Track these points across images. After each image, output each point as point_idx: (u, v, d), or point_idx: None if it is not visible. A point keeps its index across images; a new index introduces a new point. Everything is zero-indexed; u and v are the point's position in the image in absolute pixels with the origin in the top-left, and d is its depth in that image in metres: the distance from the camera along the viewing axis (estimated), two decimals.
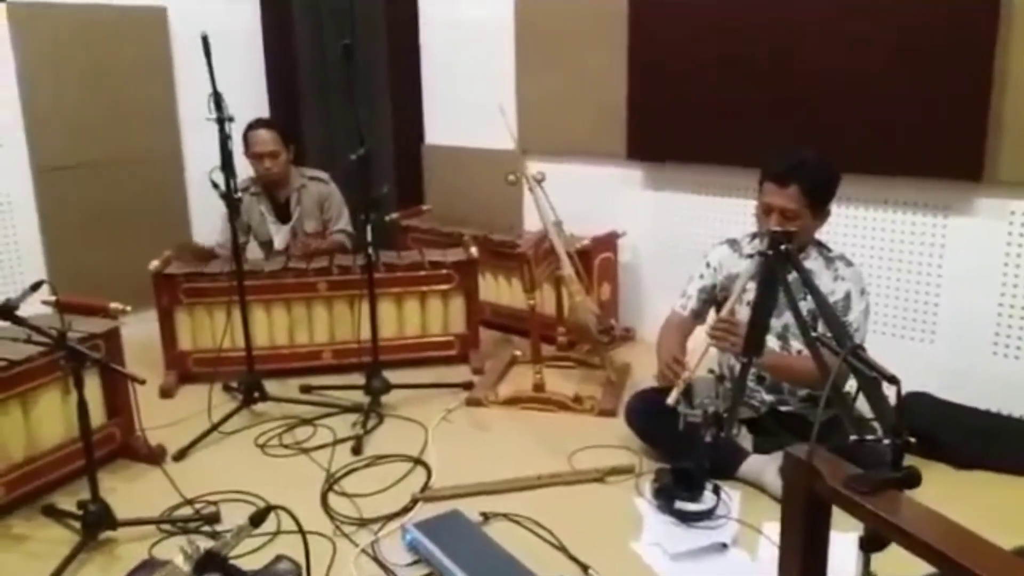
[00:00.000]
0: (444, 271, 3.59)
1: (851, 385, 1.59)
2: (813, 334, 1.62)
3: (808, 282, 1.76)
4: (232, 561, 1.57)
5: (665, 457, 2.68)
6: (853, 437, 1.42)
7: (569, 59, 3.88)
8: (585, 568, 2.16)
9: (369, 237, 3.12)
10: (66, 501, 2.53)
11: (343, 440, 2.95)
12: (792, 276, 1.80)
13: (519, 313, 3.89)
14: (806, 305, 2.25)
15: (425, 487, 2.62)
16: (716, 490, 2.46)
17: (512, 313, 3.97)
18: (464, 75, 4.29)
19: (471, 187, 4.35)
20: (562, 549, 2.25)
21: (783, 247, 1.76)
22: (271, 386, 3.28)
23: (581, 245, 3.53)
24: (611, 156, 3.79)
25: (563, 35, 3.87)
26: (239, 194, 3.09)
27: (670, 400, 2.33)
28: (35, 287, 2.23)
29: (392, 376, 3.27)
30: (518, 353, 3.61)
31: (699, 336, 2.63)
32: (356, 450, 2.88)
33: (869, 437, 1.40)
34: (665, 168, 3.70)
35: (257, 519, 1.29)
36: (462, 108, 4.34)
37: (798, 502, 1.38)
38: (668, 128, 3.55)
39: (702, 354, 2.39)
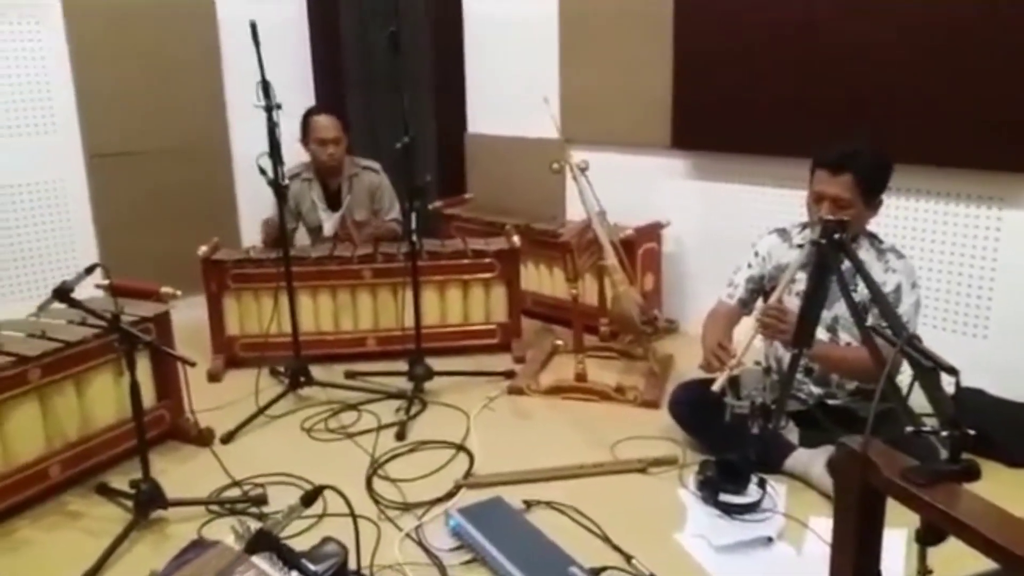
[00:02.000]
0: (486, 260, 3.60)
1: (901, 377, 1.57)
2: (869, 324, 1.59)
3: (862, 271, 1.72)
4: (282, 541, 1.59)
5: (709, 449, 2.66)
6: (909, 429, 1.39)
7: (613, 47, 3.85)
8: (628, 558, 2.15)
9: (413, 225, 3.14)
10: (118, 480, 2.60)
11: (387, 426, 2.98)
12: (844, 267, 1.76)
13: (561, 303, 3.89)
14: (856, 296, 2.21)
15: (468, 474, 2.63)
16: (761, 483, 2.44)
17: (554, 303, 3.97)
18: (508, 64, 4.28)
19: (513, 176, 4.34)
20: (605, 539, 2.24)
21: (837, 236, 1.73)
22: (316, 371, 3.31)
23: (624, 235, 3.51)
24: (655, 145, 3.76)
25: (607, 23, 3.84)
26: (287, 180, 3.13)
27: (716, 387, 2.31)
28: (89, 270, 2.29)
29: (434, 363, 3.29)
30: (560, 343, 3.61)
31: (746, 326, 2.60)
32: (400, 436, 2.90)
33: (926, 429, 1.37)
34: (710, 157, 3.66)
35: (308, 499, 1.30)
36: (505, 97, 4.34)
37: (852, 494, 1.35)
38: (714, 117, 3.51)
39: (749, 342, 2.36)
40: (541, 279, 4.04)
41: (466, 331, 3.66)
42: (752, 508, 2.37)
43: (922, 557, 1.36)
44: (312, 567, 1.33)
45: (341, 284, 3.59)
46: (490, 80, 4.42)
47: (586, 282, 3.50)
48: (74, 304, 2.29)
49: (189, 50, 4.25)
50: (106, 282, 2.73)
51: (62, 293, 2.26)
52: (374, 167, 3.85)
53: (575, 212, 3.99)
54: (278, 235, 3.27)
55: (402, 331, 3.41)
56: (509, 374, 3.38)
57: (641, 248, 3.66)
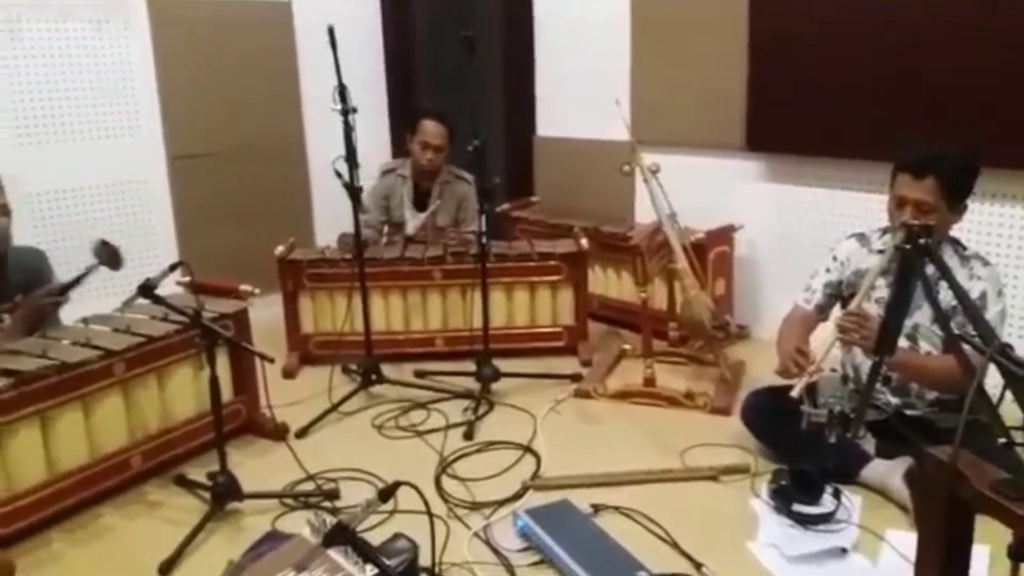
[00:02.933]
0: (553, 262, 3.59)
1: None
2: (956, 332, 1.54)
3: (948, 277, 1.67)
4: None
5: (782, 458, 2.61)
6: (1002, 440, 1.34)
7: (686, 48, 3.80)
8: (698, 565, 2.12)
9: (483, 227, 3.16)
10: (195, 472, 2.67)
11: (455, 425, 3.00)
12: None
13: (628, 306, 3.86)
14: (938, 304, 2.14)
15: (535, 475, 2.63)
16: (836, 493, 2.37)
17: (621, 306, 3.94)
18: (578, 66, 4.27)
19: (581, 179, 4.33)
20: (674, 545, 2.22)
21: (922, 241, 1.67)
22: (386, 369, 3.36)
23: (696, 238, 3.46)
24: (729, 147, 3.70)
25: (680, 23, 3.80)
26: (384, 173, 3.11)
27: (794, 393, 2.26)
28: (173, 268, 2.36)
29: (501, 365, 3.31)
30: (628, 347, 3.58)
31: (822, 333, 2.54)
32: (468, 435, 2.92)
33: (1020, 441, 1.32)
34: (785, 160, 3.59)
35: (385, 495, 1.32)
36: (574, 99, 4.32)
37: (938, 507, 1.31)
38: (790, 118, 3.44)
39: (828, 348, 2.31)
40: (608, 282, 4.02)
41: (533, 333, 3.66)
42: (826, 519, 2.32)
43: (1014, 572, 1.30)
44: (387, 562, 1.35)
45: (412, 285, 3.63)
46: (559, 82, 4.42)
47: (655, 286, 3.47)
48: (158, 300, 2.37)
49: (267, 54, 4.35)
50: (187, 279, 2.83)
51: (147, 290, 2.34)
52: (467, 178, 3.89)
53: (644, 215, 3.96)
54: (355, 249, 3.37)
55: (470, 332, 3.44)
56: (576, 377, 3.37)
57: (712, 252, 3.60)
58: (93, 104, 3.84)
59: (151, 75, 4.00)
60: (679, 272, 3.12)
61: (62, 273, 2.94)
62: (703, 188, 3.73)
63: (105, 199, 3.94)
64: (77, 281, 2.64)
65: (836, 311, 2.66)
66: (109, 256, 2.52)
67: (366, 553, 1.28)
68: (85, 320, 2.74)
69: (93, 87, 3.83)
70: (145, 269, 3.72)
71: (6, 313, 2.78)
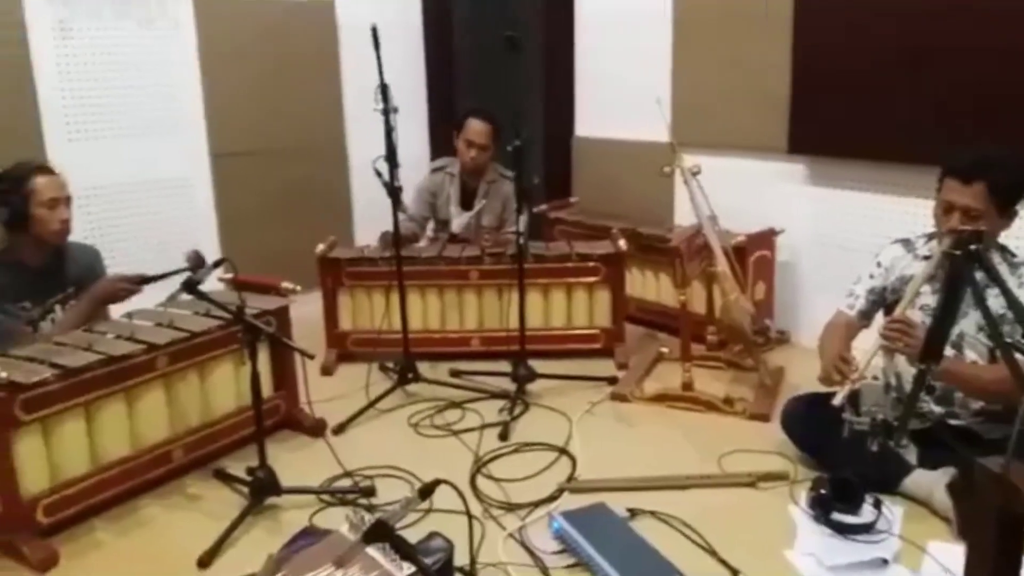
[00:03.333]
0: (591, 264, 3.58)
1: None
2: (1007, 340, 1.50)
3: (1000, 283, 1.63)
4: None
5: (821, 466, 2.57)
6: None
7: (728, 50, 3.77)
8: (735, 572, 2.10)
9: (522, 228, 3.16)
10: (234, 466, 2.71)
11: (490, 425, 3.01)
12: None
13: (666, 309, 3.84)
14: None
15: (570, 478, 2.62)
16: (877, 503, 2.33)
17: (659, 309, 3.92)
18: (618, 65, 4.26)
19: (620, 180, 4.31)
20: (711, 552, 2.20)
21: (973, 247, 1.64)
22: (422, 368, 3.37)
23: (736, 241, 3.43)
24: (771, 150, 3.66)
25: (723, 22, 3.77)
26: (432, 172, 3.14)
27: (837, 401, 2.23)
28: (217, 264, 2.40)
29: (537, 366, 3.30)
30: (665, 350, 3.56)
31: (865, 339, 2.50)
32: (503, 436, 2.92)
33: None
34: (829, 163, 3.53)
35: (424, 493, 1.32)
36: (614, 100, 4.31)
37: (988, 520, 1.28)
38: (833, 120, 3.39)
39: (871, 355, 2.27)
40: (646, 284, 4.00)
41: (569, 335, 3.65)
42: (867, 528, 2.28)
43: None
44: (425, 561, 1.35)
45: (449, 284, 3.65)
46: (599, 82, 4.41)
47: (694, 289, 3.44)
48: (201, 296, 2.40)
49: (310, 54, 4.40)
50: (230, 276, 2.87)
51: (190, 285, 2.38)
52: (513, 178, 3.89)
53: (683, 217, 3.94)
54: (409, 237, 3.39)
55: (506, 332, 3.43)
56: (612, 380, 3.35)
57: (753, 255, 3.56)
58: (139, 102, 3.91)
59: (196, 74, 4.06)
60: (719, 275, 3.08)
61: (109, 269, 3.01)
62: (744, 191, 3.69)
63: (150, 195, 4.01)
64: (157, 278, 2.68)
65: (879, 318, 2.62)
66: (197, 265, 2.53)
67: (405, 551, 1.29)
68: (129, 315, 2.79)
69: (140, 86, 3.90)
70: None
71: (59, 304, 2.85)
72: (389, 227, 3.34)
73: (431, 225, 4.05)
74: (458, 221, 3.93)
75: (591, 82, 4.47)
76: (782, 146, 3.60)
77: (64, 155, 3.52)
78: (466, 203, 3.95)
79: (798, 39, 3.46)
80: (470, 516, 1.60)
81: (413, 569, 1.43)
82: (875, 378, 2.54)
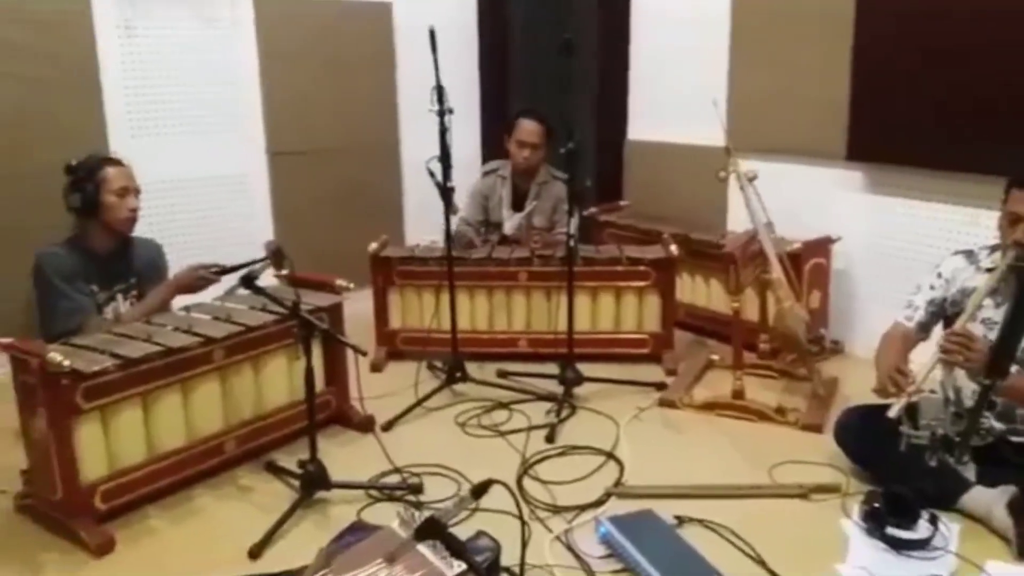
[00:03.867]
0: (642, 268, 3.56)
1: None
2: None
3: None
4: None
5: (875, 479, 2.52)
6: None
7: (787, 53, 3.72)
8: None
9: (573, 230, 3.15)
10: (284, 459, 2.75)
11: (537, 427, 3.00)
12: None
13: (717, 316, 3.80)
14: None
15: (618, 483, 2.61)
16: (933, 519, 2.28)
17: (709, 315, 3.88)
18: (674, 69, 4.22)
19: (672, 184, 4.28)
20: (760, 562, 2.17)
21: None
22: (469, 368, 3.38)
23: (792, 248, 3.37)
24: (828, 156, 3.59)
25: (782, 28, 3.72)
26: (484, 174, 3.25)
27: (892, 413, 2.18)
28: (283, 258, 2.43)
29: (584, 369, 3.29)
30: (715, 357, 3.52)
31: (923, 352, 2.44)
32: (550, 438, 2.92)
33: None
34: (888, 171, 3.46)
35: (478, 492, 1.33)
36: (668, 103, 4.28)
37: None
38: (894, 127, 3.32)
39: (930, 368, 2.22)
40: (696, 290, 3.96)
41: (617, 339, 3.63)
42: (922, 545, 2.22)
43: None
44: (476, 559, 1.36)
45: (497, 285, 3.66)
46: (654, 85, 4.38)
47: (746, 296, 3.40)
48: (258, 291, 2.45)
49: (366, 54, 4.45)
50: (284, 272, 2.91)
51: (248, 280, 2.43)
52: (564, 178, 3.89)
53: (736, 223, 3.89)
54: (466, 243, 3.46)
55: (554, 335, 3.43)
56: (660, 386, 3.33)
57: (808, 263, 3.50)
58: (200, 100, 3.99)
59: (255, 73, 4.13)
60: (773, 283, 3.04)
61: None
62: (800, 197, 3.63)
63: (208, 192, 4.09)
64: (236, 268, 2.74)
65: (938, 330, 2.55)
66: (277, 258, 2.58)
67: (456, 549, 1.29)
68: (187, 308, 2.85)
69: (201, 84, 3.98)
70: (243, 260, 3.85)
71: (121, 292, 2.93)
72: (439, 227, 3.37)
73: (483, 229, 4.05)
74: (510, 223, 3.95)
75: (645, 85, 4.44)
76: (840, 152, 3.53)
77: (126, 150, 3.60)
78: (518, 204, 3.96)
79: (859, 43, 3.40)
80: (522, 519, 1.60)
81: (462, 568, 1.44)
82: (932, 391, 2.48)
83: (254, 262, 2.52)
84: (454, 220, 3.53)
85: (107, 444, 2.42)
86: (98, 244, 2.88)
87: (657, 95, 4.37)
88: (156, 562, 2.28)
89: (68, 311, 2.73)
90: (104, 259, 2.89)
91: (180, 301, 2.95)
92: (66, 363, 2.23)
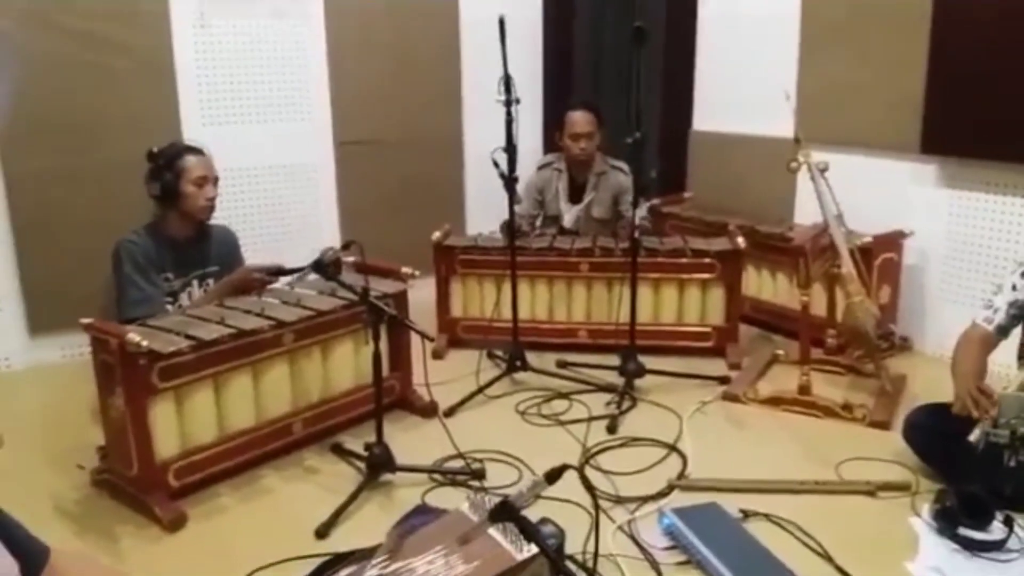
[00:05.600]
0: (707, 260, 3.52)
1: None
2: None
3: None
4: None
5: (945, 478, 2.45)
6: None
7: (859, 44, 3.63)
8: None
9: (637, 221, 3.13)
10: (350, 442, 2.80)
11: (598, 417, 3.00)
12: None
13: (782, 310, 3.74)
14: None
15: (681, 475, 2.59)
16: (1008, 521, 2.21)
17: (773, 310, 3.82)
18: (741, 61, 4.16)
19: (738, 176, 4.22)
20: (827, 558, 2.13)
21: None
22: (528, 358, 3.39)
23: (863, 242, 3.29)
24: (901, 149, 3.50)
25: (855, 18, 3.63)
26: (539, 168, 3.19)
27: (973, 438, 2.12)
28: (346, 246, 2.48)
29: (645, 361, 3.27)
30: (780, 352, 3.46)
31: (1004, 351, 2.37)
32: (611, 429, 2.91)
33: None
34: (964, 164, 3.36)
35: (552, 476, 1.33)
36: (736, 94, 4.22)
37: None
38: (971, 119, 3.21)
39: (1017, 384, 2.14)
40: (762, 284, 3.90)
41: (679, 331, 3.60)
42: (996, 546, 2.16)
43: None
44: (548, 542, 1.36)
45: (558, 275, 3.66)
46: (720, 76, 4.32)
47: (814, 290, 3.33)
48: (329, 277, 2.49)
49: (432, 47, 4.48)
50: (352, 259, 2.96)
51: (319, 266, 2.47)
52: (624, 168, 3.88)
53: (803, 216, 3.83)
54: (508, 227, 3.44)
55: (615, 326, 3.42)
56: (724, 380, 3.29)
57: (879, 258, 3.42)
58: (269, 90, 4.07)
59: (324, 65, 4.19)
60: (843, 277, 2.98)
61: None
62: (871, 190, 3.55)
63: (276, 181, 4.17)
64: (292, 271, 2.80)
65: (1018, 332, 2.48)
66: (332, 266, 2.63)
67: (529, 532, 1.30)
68: (259, 293, 2.91)
69: (271, 74, 4.06)
70: (311, 248, 3.93)
71: (197, 279, 3.01)
72: (501, 217, 3.37)
73: (539, 222, 4.06)
74: (568, 215, 3.94)
75: (712, 76, 4.38)
76: (914, 145, 3.44)
77: (199, 139, 3.70)
78: (575, 197, 3.96)
79: (936, 35, 3.30)
80: (597, 505, 1.61)
81: (532, 553, 1.44)
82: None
83: (307, 268, 2.54)
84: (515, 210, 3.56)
85: (180, 423, 2.50)
86: (176, 231, 2.96)
87: (723, 86, 4.31)
88: (226, 539, 2.34)
89: (136, 301, 2.82)
90: (181, 246, 2.98)
91: None
92: (144, 343, 2.30)
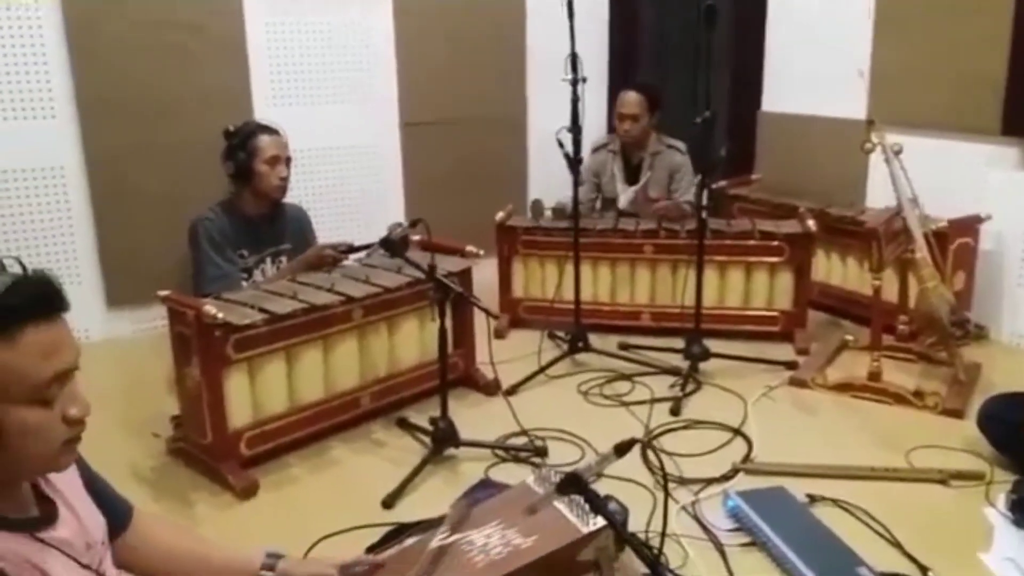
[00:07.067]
0: (775, 243, 3.46)
1: None
2: None
3: None
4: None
5: (1021, 469, 2.39)
6: None
7: (937, 21, 3.51)
8: (924, 569, 1.99)
9: (705, 201, 3.10)
10: (415, 417, 2.84)
11: (661, 400, 2.98)
12: None
13: (851, 296, 3.66)
14: None
15: (746, 458, 2.56)
16: None
17: (843, 295, 3.74)
18: (813, 38, 4.06)
19: (807, 158, 4.13)
20: (897, 545, 2.10)
21: None
22: (590, 340, 3.39)
23: (937, 227, 3.20)
24: (980, 131, 3.38)
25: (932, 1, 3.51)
26: (594, 151, 3.16)
27: None
28: (413, 224, 2.51)
29: (709, 345, 3.23)
30: (850, 338, 3.39)
31: None
32: (674, 411, 2.89)
33: None
34: None
35: (621, 450, 1.34)
36: (806, 74, 4.12)
37: None
38: None
39: None
40: (831, 268, 3.81)
41: (745, 315, 3.55)
42: None
43: None
44: (616, 516, 1.37)
45: (622, 257, 3.64)
46: (791, 55, 4.22)
47: (884, 276, 3.25)
48: (397, 254, 2.52)
49: (497, 27, 4.47)
50: (418, 237, 3.00)
51: (388, 243, 2.51)
52: (679, 147, 3.85)
53: (875, 199, 3.73)
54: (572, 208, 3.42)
55: (680, 309, 3.39)
56: (791, 365, 3.24)
57: (954, 243, 3.31)
58: (337, 72, 4.12)
59: (390, 46, 4.23)
60: (917, 262, 2.90)
61: None
62: (947, 173, 3.44)
63: (342, 161, 4.23)
64: (362, 248, 2.85)
65: None
66: (399, 243, 2.68)
67: (597, 504, 1.31)
68: (329, 269, 2.97)
69: (339, 56, 4.11)
70: (378, 226, 3.97)
71: (270, 256, 3.09)
72: (563, 198, 3.34)
73: (599, 204, 4.04)
74: (624, 196, 3.92)
75: (782, 55, 4.29)
76: (995, 127, 3.32)
77: (268, 118, 3.78)
78: (631, 178, 3.94)
79: (1021, 9, 3.17)
80: (665, 480, 1.61)
81: (597, 526, 1.45)
82: None
83: (378, 244, 2.58)
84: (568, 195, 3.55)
85: (253, 394, 2.57)
86: (250, 209, 3.03)
87: (794, 66, 4.21)
88: (296, 507, 2.41)
89: (214, 277, 2.90)
90: (255, 223, 3.05)
91: None
92: (219, 315, 2.37)
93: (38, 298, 1.09)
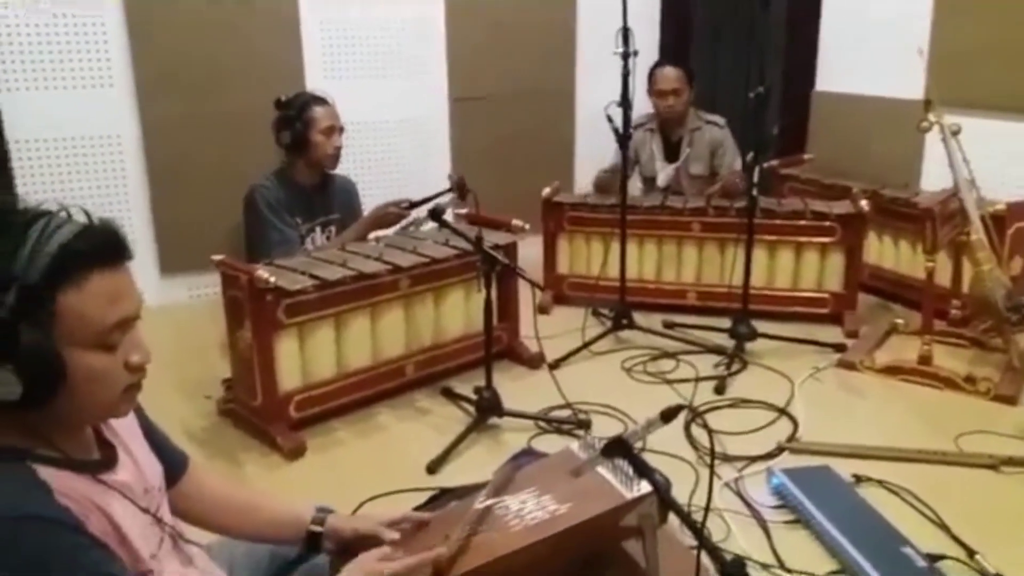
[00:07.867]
0: (827, 223, 3.40)
1: None
2: None
3: None
4: None
5: None
6: None
7: (1001, 2, 3.40)
8: (971, 552, 1.96)
9: (756, 179, 3.06)
10: (459, 387, 2.87)
11: (706, 378, 2.97)
12: None
13: (904, 279, 3.59)
14: None
15: (791, 438, 2.55)
16: None
17: (895, 278, 3.67)
18: (870, 19, 3.97)
19: (862, 138, 4.04)
20: (943, 527, 2.07)
21: None
22: (634, 317, 3.38)
23: (995, 209, 3.11)
24: None
25: None
26: (633, 129, 3.19)
27: None
28: (462, 193, 2.52)
29: (756, 325, 3.21)
30: (900, 321, 3.33)
31: None
32: (719, 390, 2.88)
33: None
34: None
35: (668, 415, 1.34)
36: (862, 54, 4.03)
37: None
38: None
39: None
40: (884, 251, 3.74)
41: (794, 296, 3.51)
42: None
43: None
44: (660, 480, 1.38)
45: (668, 235, 3.62)
46: (847, 34, 4.13)
47: (937, 260, 3.18)
48: (445, 224, 2.54)
49: (548, 2, 4.45)
50: (465, 211, 3.02)
51: (436, 215, 2.53)
52: (719, 122, 3.81)
53: (929, 182, 3.66)
54: (605, 184, 3.38)
55: (727, 288, 3.35)
56: (840, 347, 3.19)
57: (1012, 227, 3.19)
58: (388, 46, 4.14)
59: (441, 21, 4.23)
60: (972, 245, 2.83)
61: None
62: (1007, 155, 3.35)
63: (391, 134, 4.25)
64: (422, 202, 2.88)
65: None
66: (461, 190, 2.74)
67: (642, 469, 1.32)
68: (378, 239, 3.01)
69: (390, 31, 4.14)
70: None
71: (321, 225, 3.13)
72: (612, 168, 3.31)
73: (638, 184, 4.01)
74: (663, 174, 3.88)
75: (838, 34, 4.20)
76: None
77: (322, 91, 3.83)
78: (671, 156, 3.90)
79: None
80: (713, 451, 1.62)
81: (641, 493, 1.45)
82: None
83: (440, 194, 2.62)
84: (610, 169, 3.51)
85: (302, 358, 2.62)
86: (303, 178, 3.08)
87: (849, 45, 4.12)
88: (342, 470, 2.46)
89: (278, 242, 2.94)
90: (308, 192, 3.10)
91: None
92: (271, 280, 2.42)
93: (104, 245, 1.12)
